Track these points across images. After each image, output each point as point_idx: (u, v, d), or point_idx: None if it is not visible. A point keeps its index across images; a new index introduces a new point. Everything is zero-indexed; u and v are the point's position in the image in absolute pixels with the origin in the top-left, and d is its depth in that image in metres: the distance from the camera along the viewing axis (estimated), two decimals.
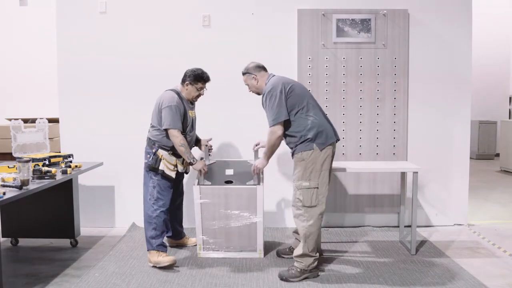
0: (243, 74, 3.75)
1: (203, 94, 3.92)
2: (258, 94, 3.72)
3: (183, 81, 3.85)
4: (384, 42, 4.67)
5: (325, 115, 3.61)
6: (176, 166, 3.83)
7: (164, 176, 3.78)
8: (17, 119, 4.26)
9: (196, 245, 4.05)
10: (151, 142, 3.81)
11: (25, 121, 4.46)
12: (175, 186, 3.98)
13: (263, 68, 3.72)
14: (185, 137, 3.77)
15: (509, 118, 10.24)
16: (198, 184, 3.87)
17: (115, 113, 4.78)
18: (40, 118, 4.45)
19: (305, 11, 4.65)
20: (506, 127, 8.50)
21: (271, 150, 3.60)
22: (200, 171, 3.87)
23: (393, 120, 4.72)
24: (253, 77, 3.67)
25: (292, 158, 3.58)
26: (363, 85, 4.69)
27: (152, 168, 3.77)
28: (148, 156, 3.81)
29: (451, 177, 4.84)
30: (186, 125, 3.81)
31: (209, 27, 4.73)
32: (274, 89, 3.48)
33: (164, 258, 3.68)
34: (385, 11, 4.64)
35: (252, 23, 4.72)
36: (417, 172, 3.93)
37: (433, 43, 4.73)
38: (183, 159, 3.82)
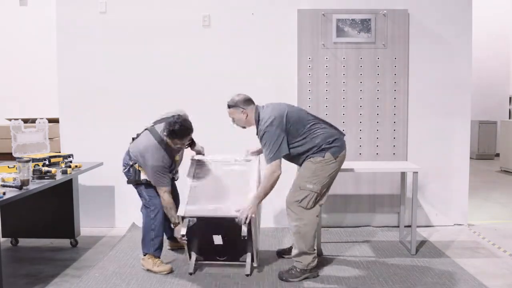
0: (230, 106, 3.46)
1: (185, 147, 3.66)
2: (244, 127, 3.54)
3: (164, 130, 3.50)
4: (384, 42, 4.67)
5: (328, 123, 3.54)
6: None
7: (149, 184, 3.60)
8: (17, 119, 4.26)
9: None
10: (130, 154, 3.63)
11: (25, 121, 4.45)
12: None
13: (252, 101, 3.48)
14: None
15: (509, 118, 10.23)
16: (192, 269, 3.53)
17: (115, 113, 4.77)
18: (40, 118, 4.45)
19: (305, 11, 4.65)
20: (506, 127, 8.50)
21: (267, 192, 3.38)
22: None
23: (393, 120, 4.72)
24: (242, 111, 3.42)
25: (300, 164, 3.50)
26: (363, 85, 4.69)
27: (133, 181, 3.61)
28: (124, 168, 3.63)
29: (451, 177, 4.84)
30: (170, 171, 3.63)
31: (209, 27, 4.73)
32: (271, 124, 3.29)
33: (160, 268, 3.60)
34: (385, 11, 4.64)
35: (252, 23, 4.72)
36: (417, 172, 3.94)
37: (433, 43, 4.73)
38: None
